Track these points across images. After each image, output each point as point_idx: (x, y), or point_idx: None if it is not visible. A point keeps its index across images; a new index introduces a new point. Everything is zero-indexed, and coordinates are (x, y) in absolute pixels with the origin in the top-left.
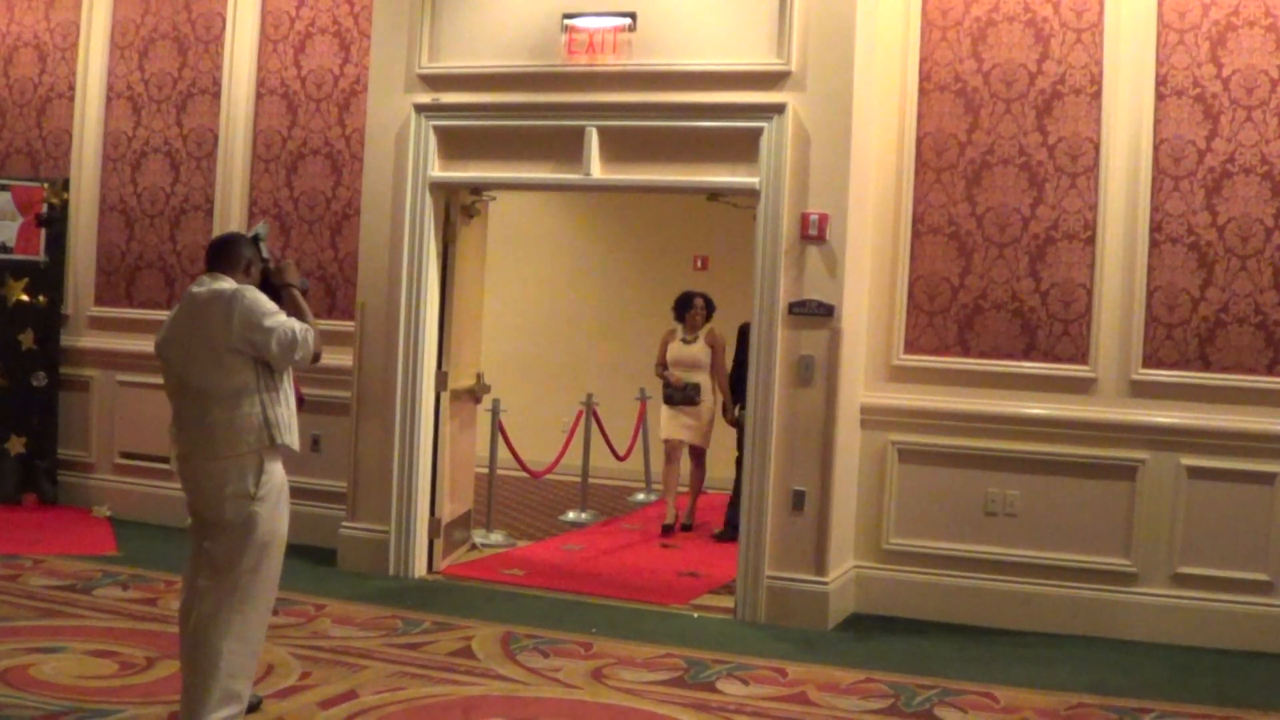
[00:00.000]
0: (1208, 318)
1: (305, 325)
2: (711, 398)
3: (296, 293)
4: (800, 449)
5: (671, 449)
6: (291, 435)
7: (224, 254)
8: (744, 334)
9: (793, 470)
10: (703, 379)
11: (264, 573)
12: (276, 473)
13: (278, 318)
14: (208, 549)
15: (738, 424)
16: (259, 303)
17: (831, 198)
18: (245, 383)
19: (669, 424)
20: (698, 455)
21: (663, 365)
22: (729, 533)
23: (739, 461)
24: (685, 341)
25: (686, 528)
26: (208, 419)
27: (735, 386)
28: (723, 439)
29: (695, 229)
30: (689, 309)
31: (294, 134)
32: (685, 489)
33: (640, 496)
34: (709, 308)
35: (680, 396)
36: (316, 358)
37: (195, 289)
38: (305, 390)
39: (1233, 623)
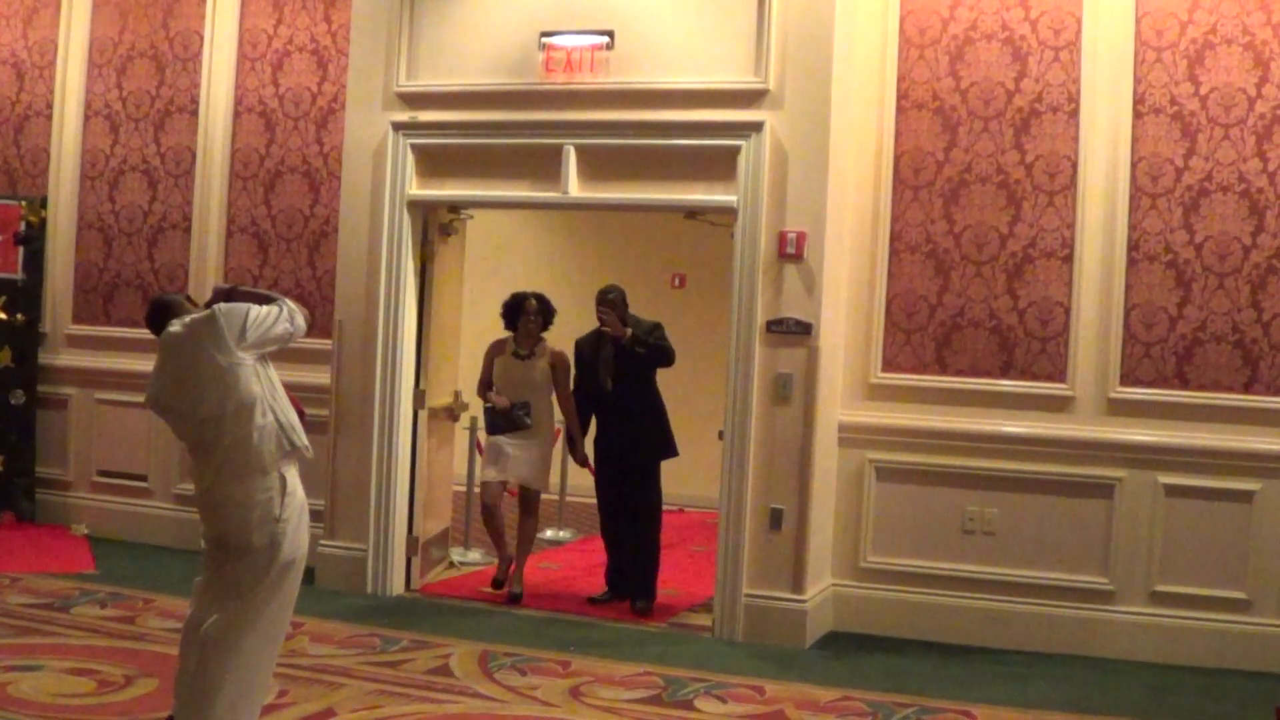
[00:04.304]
0: (1185, 336)
1: (278, 301)
2: (549, 422)
3: (244, 288)
4: (778, 467)
5: (493, 496)
6: (304, 439)
7: (168, 310)
8: (580, 354)
9: (770, 488)
10: (536, 400)
11: (281, 593)
12: (298, 493)
13: (257, 310)
14: (227, 573)
15: (586, 462)
16: (235, 309)
17: (809, 216)
18: (252, 394)
19: (491, 462)
20: (528, 501)
21: (486, 385)
22: (613, 595)
23: (602, 504)
24: (519, 356)
25: (515, 597)
26: (226, 439)
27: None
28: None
29: (673, 247)
30: (520, 315)
31: (272, 152)
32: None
33: None
34: (545, 312)
35: (506, 421)
36: (309, 320)
37: (171, 329)
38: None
39: (1210, 641)
